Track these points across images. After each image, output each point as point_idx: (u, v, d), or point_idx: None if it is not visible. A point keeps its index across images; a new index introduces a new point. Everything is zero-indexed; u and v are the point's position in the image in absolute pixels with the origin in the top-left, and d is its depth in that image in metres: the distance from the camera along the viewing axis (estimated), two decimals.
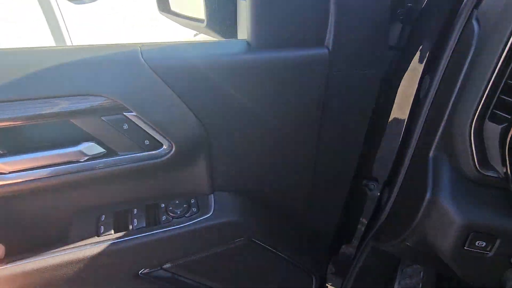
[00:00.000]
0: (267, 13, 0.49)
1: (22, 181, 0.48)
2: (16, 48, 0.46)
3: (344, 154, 0.67)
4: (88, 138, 0.49)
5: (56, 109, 0.45)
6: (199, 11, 0.83)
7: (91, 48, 0.50)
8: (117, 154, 0.51)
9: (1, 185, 0.47)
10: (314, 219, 0.76)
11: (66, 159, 0.49)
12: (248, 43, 0.54)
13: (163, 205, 0.59)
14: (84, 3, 1.55)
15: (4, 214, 0.53)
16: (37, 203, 0.54)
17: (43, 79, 0.44)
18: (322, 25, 0.52)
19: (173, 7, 0.92)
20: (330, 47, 0.53)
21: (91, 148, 0.49)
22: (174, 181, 0.60)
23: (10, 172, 0.47)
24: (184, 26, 0.97)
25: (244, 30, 0.76)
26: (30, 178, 0.48)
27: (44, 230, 0.56)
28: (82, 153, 0.49)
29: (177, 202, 0.60)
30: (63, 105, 0.45)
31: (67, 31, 1.64)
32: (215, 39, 0.82)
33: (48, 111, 0.44)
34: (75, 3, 1.48)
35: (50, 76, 0.44)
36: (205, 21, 0.77)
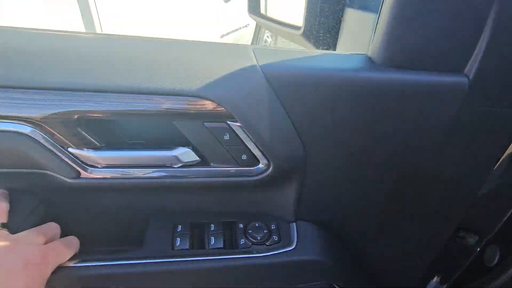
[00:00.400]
0: (404, 28, 0.41)
1: (113, 177, 0.44)
2: (127, 35, 0.43)
3: (456, 201, 0.57)
4: (185, 143, 0.44)
5: (161, 107, 0.40)
6: (295, 17, 0.78)
7: (201, 44, 0.45)
8: (209, 165, 0.46)
9: (92, 177, 0.44)
10: (401, 267, 0.65)
11: (159, 163, 0.44)
12: (370, 59, 0.46)
13: (241, 226, 0.53)
14: None
15: (86, 208, 0.50)
16: (119, 201, 0.50)
17: (151, 74, 0.40)
18: (466, 48, 0.43)
19: (265, 10, 0.88)
20: (471, 76, 0.44)
21: (187, 154, 0.44)
22: (259, 202, 0.54)
23: (103, 167, 0.43)
24: (272, 32, 0.92)
25: (346, 43, 0.69)
26: (121, 176, 0.44)
27: (120, 229, 0.53)
28: (177, 159, 0.44)
29: (256, 225, 0.53)
30: (168, 104, 0.40)
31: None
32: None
33: (153, 109, 0.40)
34: None
35: (159, 71, 0.40)
36: (302, 28, 0.71)
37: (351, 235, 0.58)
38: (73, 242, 0.45)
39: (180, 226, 0.51)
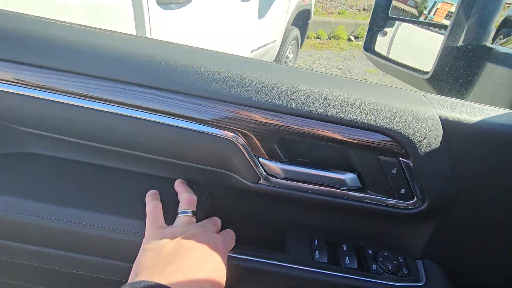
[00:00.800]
0: None
1: (286, 188, 0.50)
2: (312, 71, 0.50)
3: None
4: (352, 169, 0.49)
5: (348, 137, 0.46)
6: (419, 61, 0.82)
7: (377, 86, 0.51)
8: (366, 192, 0.50)
9: (269, 185, 0.50)
10: None
11: (329, 183, 0.50)
12: None
13: (370, 252, 0.56)
14: (170, 8, 1.67)
15: (247, 208, 0.56)
16: (275, 208, 0.56)
17: (347, 108, 0.46)
18: None
19: (387, 51, 0.93)
20: None
21: (353, 180, 0.49)
22: (393, 233, 0.57)
23: (281, 178, 0.49)
24: (383, 70, 0.97)
25: (478, 95, 0.71)
26: (293, 188, 0.50)
27: (263, 231, 0.58)
28: (344, 183, 0.49)
29: (385, 254, 0.56)
30: (354, 135, 0.46)
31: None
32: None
33: (341, 136, 0.46)
34: (163, 8, 1.61)
35: (353, 106, 0.46)
36: (430, 73, 0.75)
37: (475, 284, 0.59)
38: (233, 235, 0.51)
39: (316, 240, 0.56)
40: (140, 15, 1.56)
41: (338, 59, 4.66)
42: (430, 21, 0.82)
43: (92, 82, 0.46)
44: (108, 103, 0.46)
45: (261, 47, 2.79)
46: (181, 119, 0.47)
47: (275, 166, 0.49)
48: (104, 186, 0.53)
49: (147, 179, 0.55)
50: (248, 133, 0.47)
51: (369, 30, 0.94)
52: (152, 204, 0.48)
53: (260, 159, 0.48)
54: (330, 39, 5.36)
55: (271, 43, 2.99)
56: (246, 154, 0.48)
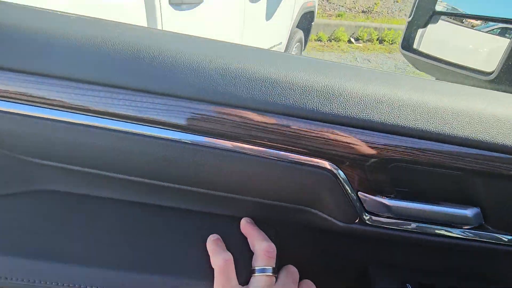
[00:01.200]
0: None
1: (394, 228, 0.39)
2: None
3: None
4: (472, 202, 0.38)
5: (475, 162, 0.35)
6: (474, 61, 0.71)
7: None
8: (486, 229, 0.39)
9: (366, 224, 0.39)
10: None
11: (448, 221, 0.38)
12: None
13: None
14: (182, 9, 1.62)
15: (326, 253, 0.46)
16: (361, 250, 0.46)
17: (479, 128, 0.34)
18: None
19: (436, 51, 0.81)
20: None
21: (477, 216, 0.38)
22: (505, 272, 0.46)
23: (386, 216, 0.38)
24: (423, 71, 0.86)
25: None
26: (403, 229, 0.39)
27: (345, 278, 0.48)
28: (468, 220, 0.38)
29: None
30: (485, 160, 0.34)
31: None
32: None
33: (466, 164, 0.35)
34: (174, 8, 1.52)
35: (486, 125, 0.34)
36: (494, 73, 0.64)
37: None
38: None
39: (409, 285, 0.44)
40: (152, 15, 1.50)
41: (340, 61, 4.58)
42: (488, 16, 0.72)
43: (142, 99, 0.32)
44: (161, 126, 0.33)
45: (268, 49, 2.71)
46: (257, 145, 0.34)
47: (381, 202, 0.37)
48: (149, 232, 0.39)
49: (199, 217, 0.42)
50: (349, 161, 0.35)
51: (409, 26, 0.83)
52: (222, 257, 0.36)
53: (359, 193, 0.37)
54: (330, 41, 5.28)
55: (277, 45, 2.90)
56: (343, 189, 0.36)
